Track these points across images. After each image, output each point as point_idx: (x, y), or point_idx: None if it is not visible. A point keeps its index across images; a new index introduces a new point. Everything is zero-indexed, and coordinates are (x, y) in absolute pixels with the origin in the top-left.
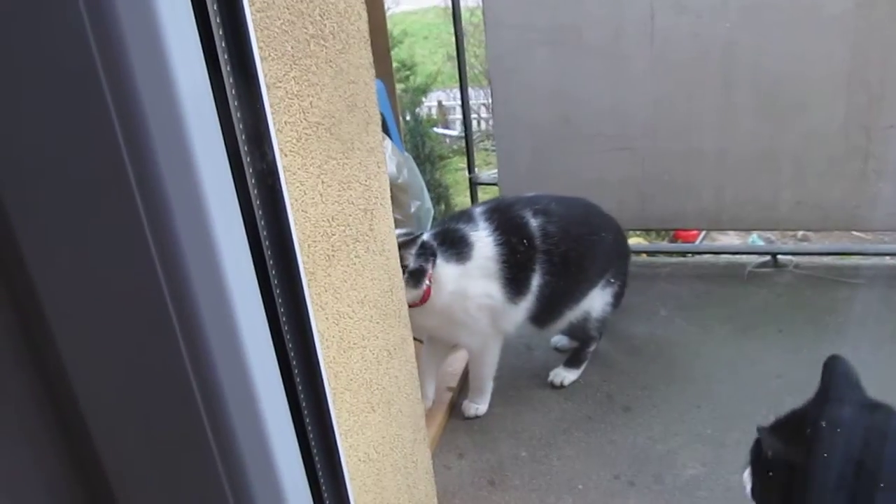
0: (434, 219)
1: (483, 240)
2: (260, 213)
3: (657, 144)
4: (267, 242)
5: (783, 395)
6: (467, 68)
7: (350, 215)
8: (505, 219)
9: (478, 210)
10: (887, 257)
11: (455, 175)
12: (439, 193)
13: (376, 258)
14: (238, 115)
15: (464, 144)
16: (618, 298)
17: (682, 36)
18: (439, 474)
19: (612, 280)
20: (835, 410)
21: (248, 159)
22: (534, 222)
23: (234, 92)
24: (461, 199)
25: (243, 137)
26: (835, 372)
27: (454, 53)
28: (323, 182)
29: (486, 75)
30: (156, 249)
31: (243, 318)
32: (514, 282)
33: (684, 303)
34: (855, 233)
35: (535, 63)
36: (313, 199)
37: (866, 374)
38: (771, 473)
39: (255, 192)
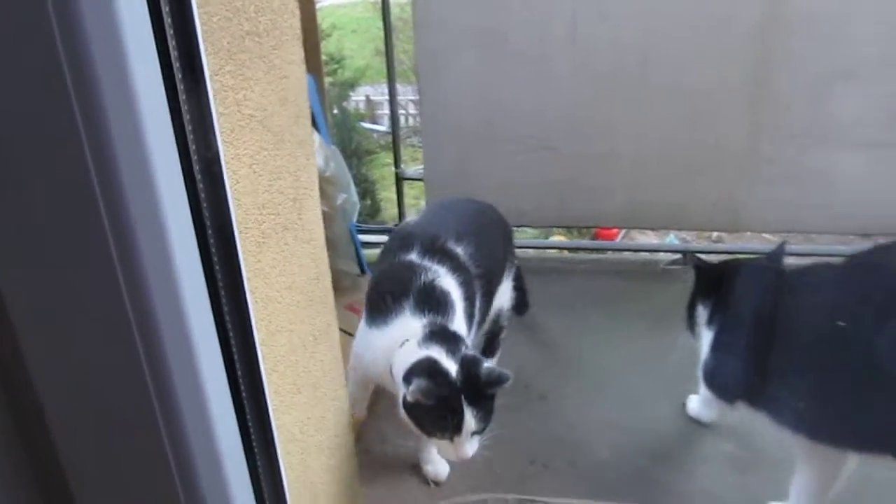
0: (360, 213)
1: (449, 282)
2: (203, 197)
3: (577, 147)
4: (210, 229)
5: (690, 385)
6: (396, 64)
7: (280, 204)
8: (443, 255)
9: (415, 255)
10: (791, 258)
11: (382, 171)
12: (366, 188)
13: (304, 246)
14: (186, 107)
15: (391, 140)
16: (519, 280)
17: (603, 43)
18: (362, 458)
19: (511, 265)
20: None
21: (194, 147)
22: (461, 251)
23: (182, 86)
24: (388, 195)
25: (190, 127)
26: (776, 250)
27: (383, 48)
28: (255, 171)
29: (414, 71)
30: (113, 241)
31: (190, 299)
32: (471, 313)
33: (601, 297)
34: (765, 235)
35: (463, 63)
36: (245, 188)
37: None
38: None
39: (200, 176)
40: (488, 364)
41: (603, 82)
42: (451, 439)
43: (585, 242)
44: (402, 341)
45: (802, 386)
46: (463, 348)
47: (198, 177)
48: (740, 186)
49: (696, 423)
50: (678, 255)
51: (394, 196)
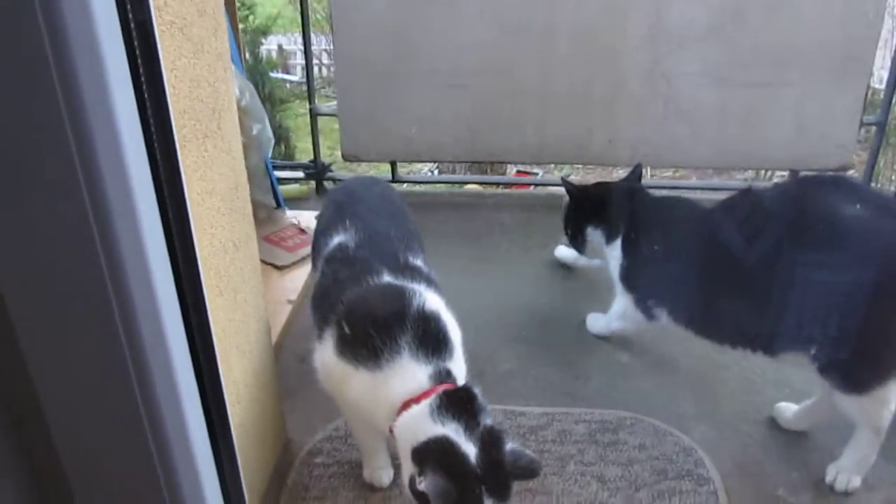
0: (274, 157)
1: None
2: (145, 88)
3: (486, 84)
4: (152, 119)
5: (590, 301)
6: (310, 12)
7: (200, 112)
8: (414, 274)
9: (388, 277)
10: (684, 191)
11: (297, 120)
12: (280, 135)
13: (223, 156)
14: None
15: (305, 90)
16: None
17: None
18: (282, 376)
19: None
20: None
21: (137, 40)
22: (420, 262)
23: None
24: (303, 145)
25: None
26: (633, 170)
27: None
28: (175, 76)
29: (328, 20)
30: (71, 131)
31: (140, 195)
32: None
33: (507, 227)
34: (661, 170)
35: (376, 2)
36: (167, 91)
37: None
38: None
39: (143, 76)
40: (511, 445)
41: (510, 20)
42: None
43: (492, 178)
44: (403, 393)
45: (691, 291)
46: (481, 418)
47: (142, 78)
48: (637, 123)
49: (594, 337)
50: None
51: (308, 146)
